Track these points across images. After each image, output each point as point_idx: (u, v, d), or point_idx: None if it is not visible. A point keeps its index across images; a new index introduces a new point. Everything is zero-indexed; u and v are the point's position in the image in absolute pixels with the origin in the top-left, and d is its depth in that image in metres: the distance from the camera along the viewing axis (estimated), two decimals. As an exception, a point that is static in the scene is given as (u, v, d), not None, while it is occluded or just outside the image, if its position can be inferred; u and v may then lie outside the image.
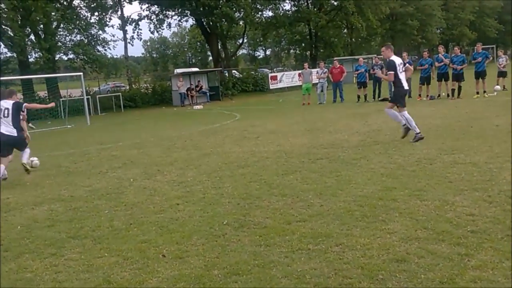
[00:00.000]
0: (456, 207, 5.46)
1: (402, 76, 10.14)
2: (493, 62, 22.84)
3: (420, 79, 19.40)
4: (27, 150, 9.69)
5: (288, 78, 38.01)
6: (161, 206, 6.59)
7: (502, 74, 19.71)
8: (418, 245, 4.46)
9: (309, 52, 51.45)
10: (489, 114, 12.89)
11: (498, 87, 19.34)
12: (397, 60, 10.16)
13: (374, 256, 4.30)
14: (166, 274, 4.29)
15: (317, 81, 23.09)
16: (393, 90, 10.65)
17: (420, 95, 19.37)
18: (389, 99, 20.00)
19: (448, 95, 18.66)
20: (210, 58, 55.43)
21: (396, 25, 56.47)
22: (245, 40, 61.25)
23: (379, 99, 20.72)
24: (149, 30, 43.69)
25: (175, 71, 42.59)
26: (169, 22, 42.29)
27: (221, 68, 38.42)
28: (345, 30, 53.46)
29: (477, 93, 18.26)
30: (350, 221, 5.26)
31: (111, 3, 37.10)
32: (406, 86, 10.23)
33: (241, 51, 75.06)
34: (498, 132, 10.04)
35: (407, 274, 3.89)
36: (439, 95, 19.03)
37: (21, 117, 9.56)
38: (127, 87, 39.05)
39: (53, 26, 32.28)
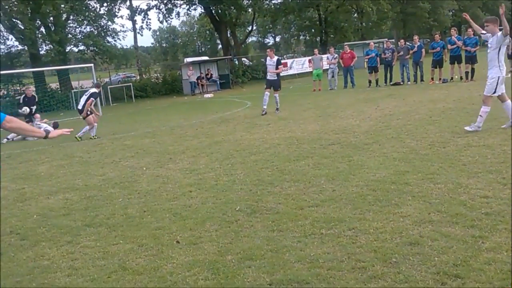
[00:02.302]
0: (470, 189, 5.43)
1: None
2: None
3: (432, 63, 19.23)
4: (87, 127, 13.58)
5: (298, 65, 37.78)
6: (174, 193, 6.64)
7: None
8: (432, 228, 4.45)
9: (319, 38, 51.03)
10: (503, 96, 12.73)
11: None
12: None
13: (387, 239, 4.30)
14: (180, 260, 4.33)
15: (328, 67, 22.96)
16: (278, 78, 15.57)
17: (432, 78, 19.21)
18: (401, 83, 20.04)
19: (461, 78, 18.46)
20: (220, 46, 55.34)
21: (407, 8, 55.73)
22: (254, 28, 61.01)
23: (391, 83, 20.57)
24: (158, 20, 43.47)
25: (185, 60, 42.58)
26: (178, 11, 42.25)
27: (230, 56, 38.34)
28: (355, 15, 52.95)
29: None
30: (363, 206, 5.26)
31: (120, -6, 37.07)
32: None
33: (250, 39, 75.03)
34: (512, 114, 9.92)
35: (420, 257, 3.89)
36: (452, 78, 18.84)
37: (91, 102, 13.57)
38: (138, 77, 39.18)
39: (63, 18, 32.40)
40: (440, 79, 18.90)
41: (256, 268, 4.00)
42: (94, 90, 13.91)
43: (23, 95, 17.04)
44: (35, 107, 16.69)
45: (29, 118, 16.13)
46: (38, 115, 16.94)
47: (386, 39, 33.78)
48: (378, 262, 3.86)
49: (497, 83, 8.38)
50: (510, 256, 3.74)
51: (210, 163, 8.40)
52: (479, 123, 8.51)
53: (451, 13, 64.71)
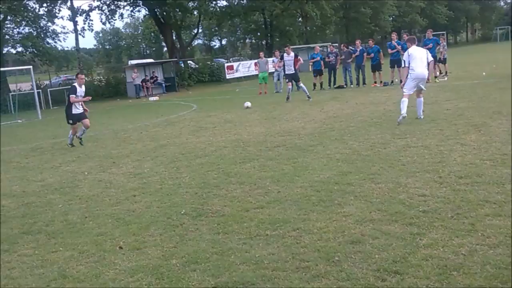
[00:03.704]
0: (409, 188, 5.61)
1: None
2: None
3: (371, 67, 19.79)
4: (84, 129, 11.86)
5: (244, 68, 37.90)
6: (117, 198, 6.51)
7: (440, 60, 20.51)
8: (373, 226, 4.57)
9: (265, 41, 51.48)
10: (440, 99, 13.30)
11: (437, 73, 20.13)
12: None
13: (330, 239, 4.38)
14: (123, 265, 4.25)
15: (273, 70, 23.14)
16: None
17: (375, 81, 19.73)
18: (345, 86, 20.50)
19: (401, 81, 19.00)
20: (165, 49, 54.69)
21: (349, 13, 57.25)
22: (200, 30, 60.71)
23: (335, 86, 20.99)
24: (101, 21, 42.51)
25: (129, 63, 41.89)
26: (121, 13, 41.12)
27: (176, 59, 37.96)
28: (300, 19, 53.74)
29: (428, 79, 18.71)
30: (307, 206, 5.33)
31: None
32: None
33: (196, 41, 74.43)
34: (449, 115, 10.39)
35: (362, 255, 3.99)
36: (392, 81, 19.42)
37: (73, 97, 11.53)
38: (80, 80, 38.11)
39: (0, 19, 31.09)
40: (381, 82, 19.47)
41: (201, 271, 3.98)
42: (74, 83, 11.96)
43: None
44: None
45: None
46: None
47: (330, 43, 34.41)
48: (321, 261, 3.93)
49: (406, 80, 10.54)
50: (446, 252, 3.90)
51: (155, 167, 8.28)
52: (401, 110, 10.05)
53: (391, 18, 66.89)
